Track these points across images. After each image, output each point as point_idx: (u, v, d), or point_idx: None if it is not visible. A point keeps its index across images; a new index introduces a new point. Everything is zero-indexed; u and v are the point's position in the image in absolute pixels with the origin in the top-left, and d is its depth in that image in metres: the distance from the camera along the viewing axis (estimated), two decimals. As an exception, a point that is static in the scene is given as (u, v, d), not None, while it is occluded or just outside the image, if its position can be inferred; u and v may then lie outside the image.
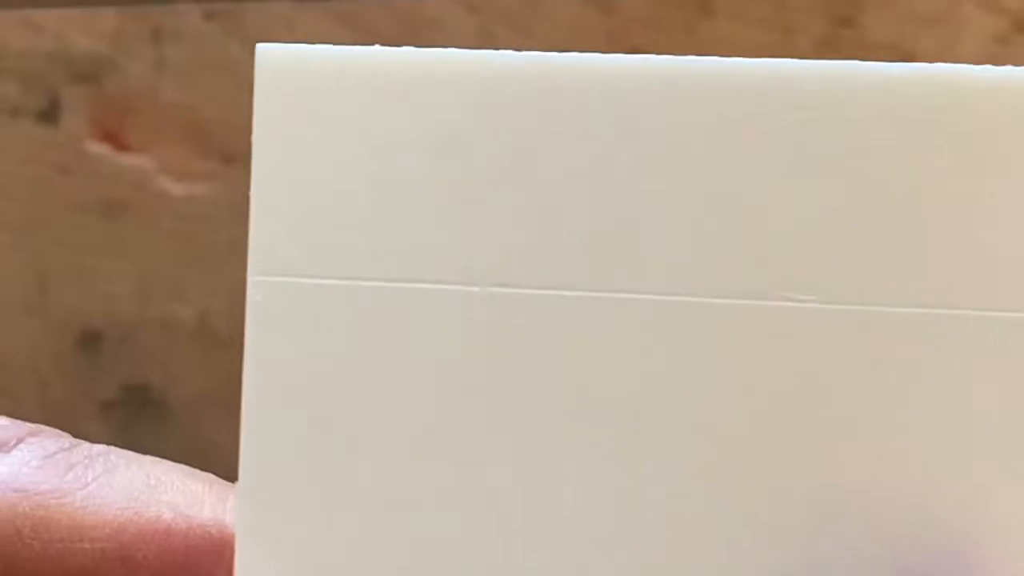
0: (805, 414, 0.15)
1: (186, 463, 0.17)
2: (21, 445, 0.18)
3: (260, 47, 0.15)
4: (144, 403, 0.36)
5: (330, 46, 0.15)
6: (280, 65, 0.15)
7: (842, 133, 0.14)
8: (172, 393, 0.37)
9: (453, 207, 0.15)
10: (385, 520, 0.15)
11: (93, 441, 0.24)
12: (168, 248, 0.36)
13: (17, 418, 0.27)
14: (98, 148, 0.36)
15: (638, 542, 0.15)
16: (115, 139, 0.36)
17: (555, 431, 0.15)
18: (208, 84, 0.35)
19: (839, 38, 0.35)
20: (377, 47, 0.15)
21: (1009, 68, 0.14)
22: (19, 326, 0.36)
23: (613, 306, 0.15)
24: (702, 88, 0.15)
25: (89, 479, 0.17)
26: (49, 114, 0.35)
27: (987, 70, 0.14)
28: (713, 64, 0.15)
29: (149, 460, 0.18)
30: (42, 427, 0.18)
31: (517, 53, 0.15)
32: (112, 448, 0.17)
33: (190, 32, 0.34)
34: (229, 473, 0.23)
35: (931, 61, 0.15)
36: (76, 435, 0.29)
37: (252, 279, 0.15)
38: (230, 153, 0.35)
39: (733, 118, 0.14)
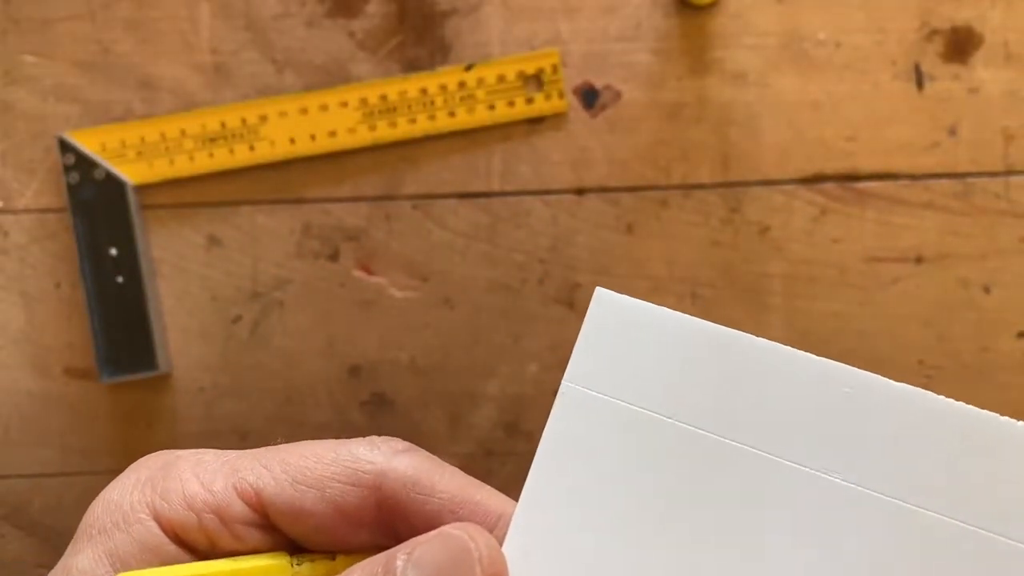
0: None
1: (404, 438, 0.25)
2: (412, 451, 0.25)
3: (599, 290, 0.24)
4: (382, 403, 0.50)
5: (656, 307, 0.24)
6: (609, 307, 0.23)
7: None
8: (397, 398, 0.50)
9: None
10: None
11: (358, 425, 0.39)
12: (392, 323, 0.50)
13: (316, 412, 0.43)
14: (358, 273, 0.50)
15: None
16: (366, 268, 0.50)
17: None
18: (415, 241, 0.50)
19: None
20: (682, 316, 0.23)
21: None
22: (318, 365, 0.50)
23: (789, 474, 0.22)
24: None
25: (444, 471, 0.25)
26: (333, 256, 0.50)
27: None
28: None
29: (465, 474, 0.25)
30: (415, 446, 0.25)
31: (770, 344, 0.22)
32: (450, 465, 0.25)
33: (404, 214, 0.50)
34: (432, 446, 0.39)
35: None
36: (346, 421, 0.46)
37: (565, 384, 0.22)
38: (424, 276, 0.49)
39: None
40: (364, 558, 0.24)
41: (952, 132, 0.49)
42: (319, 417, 0.49)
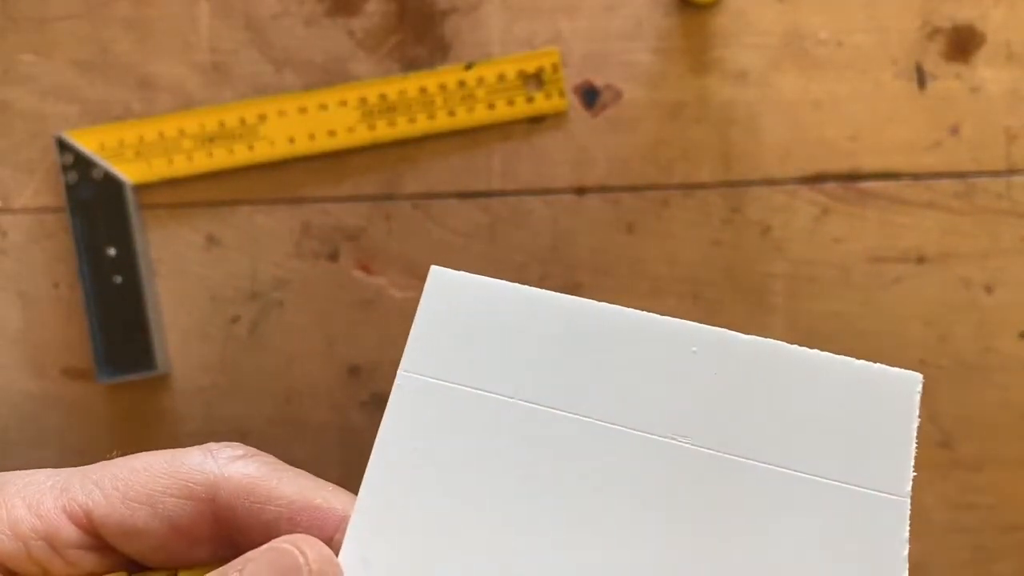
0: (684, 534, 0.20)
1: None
2: (249, 457, 0.25)
3: (435, 269, 0.24)
4: (382, 403, 0.46)
5: (483, 279, 0.23)
6: (446, 285, 0.23)
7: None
8: (396, 398, 0.52)
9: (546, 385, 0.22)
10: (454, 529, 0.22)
11: (358, 425, 0.39)
12: (391, 323, 0.49)
13: (316, 412, 0.42)
14: (357, 274, 0.49)
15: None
16: (366, 269, 0.49)
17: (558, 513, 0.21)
18: (415, 240, 0.50)
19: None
20: (522, 288, 0.23)
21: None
22: (318, 365, 0.49)
23: (596, 431, 0.22)
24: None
25: (282, 475, 0.24)
26: (333, 256, 0.49)
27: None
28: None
29: (309, 475, 0.24)
30: (256, 450, 0.25)
31: (595, 304, 0.22)
32: (292, 467, 0.25)
33: (404, 214, 0.49)
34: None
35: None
36: (346, 421, 0.46)
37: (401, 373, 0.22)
38: (424, 276, 0.50)
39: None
40: (205, 572, 0.23)
41: (954, 131, 0.49)
42: (318, 417, 0.49)
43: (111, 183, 0.49)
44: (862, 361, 0.23)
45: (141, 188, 0.50)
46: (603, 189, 0.49)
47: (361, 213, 0.50)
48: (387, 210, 0.50)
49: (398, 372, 0.24)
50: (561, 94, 0.49)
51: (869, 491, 0.21)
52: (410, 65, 0.49)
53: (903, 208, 0.49)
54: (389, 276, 0.50)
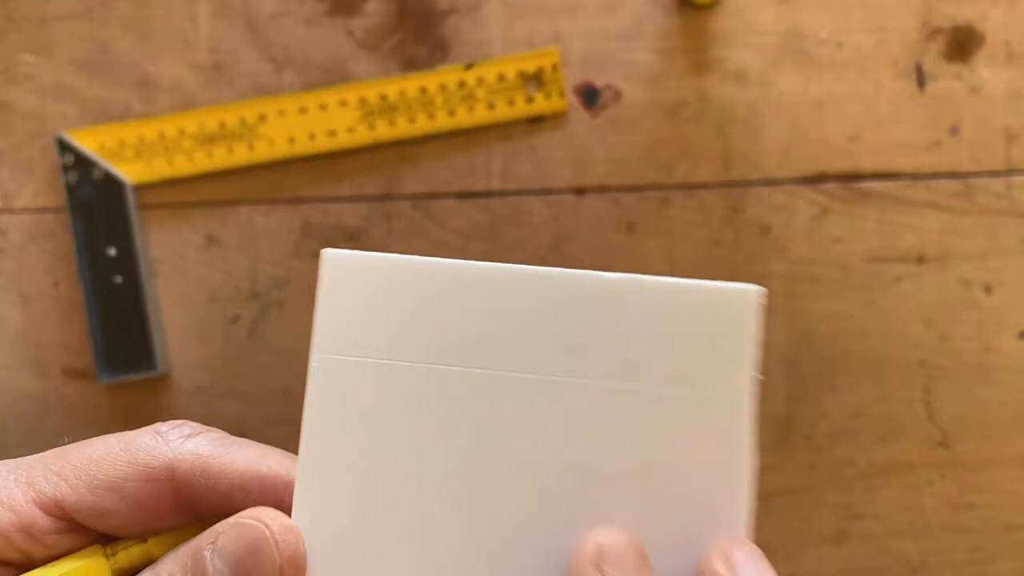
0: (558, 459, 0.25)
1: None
2: (197, 436, 0.27)
3: (326, 252, 0.26)
4: None
5: (382, 255, 0.26)
6: (340, 267, 0.26)
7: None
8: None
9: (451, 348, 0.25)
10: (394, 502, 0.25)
11: None
12: None
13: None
14: None
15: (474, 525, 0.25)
16: None
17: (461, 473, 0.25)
18: (415, 240, 0.50)
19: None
20: (411, 258, 0.26)
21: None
22: None
23: (485, 380, 0.25)
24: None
25: (230, 449, 0.27)
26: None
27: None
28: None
29: (255, 443, 0.27)
30: (202, 426, 0.27)
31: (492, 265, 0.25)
32: (238, 438, 0.27)
33: (403, 214, 0.49)
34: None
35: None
36: None
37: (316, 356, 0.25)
38: None
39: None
40: (176, 538, 0.26)
41: (953, 132, 0.49)
42: (318, 417, 0.49)
43: (111, 183, 0.49)
44: (708, 281, 0.26)
45: (141, 188, 0.50)
46: (603, 189, 0.49)
47: (361, 213, 0.50)
48: (387, 210, 0.50)
49: (311, 355, 0.26)
50: (561, 94, 0.49)
51: (712, 395, 0.25)
52: (410, 65, 0.49)
53: (903, 208, 0.49)
54: (389, 276, 0.50)
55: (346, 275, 0.27)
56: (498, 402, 0.25)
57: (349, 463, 0.26)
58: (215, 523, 0.25)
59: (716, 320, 0.25)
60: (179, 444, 0.27)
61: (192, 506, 0.27)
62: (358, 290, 0.26)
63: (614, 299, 0.26)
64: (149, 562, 0.26)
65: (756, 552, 0.24)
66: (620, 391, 0.25)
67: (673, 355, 0.25)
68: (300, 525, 0.25)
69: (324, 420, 0.26)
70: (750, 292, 0.26)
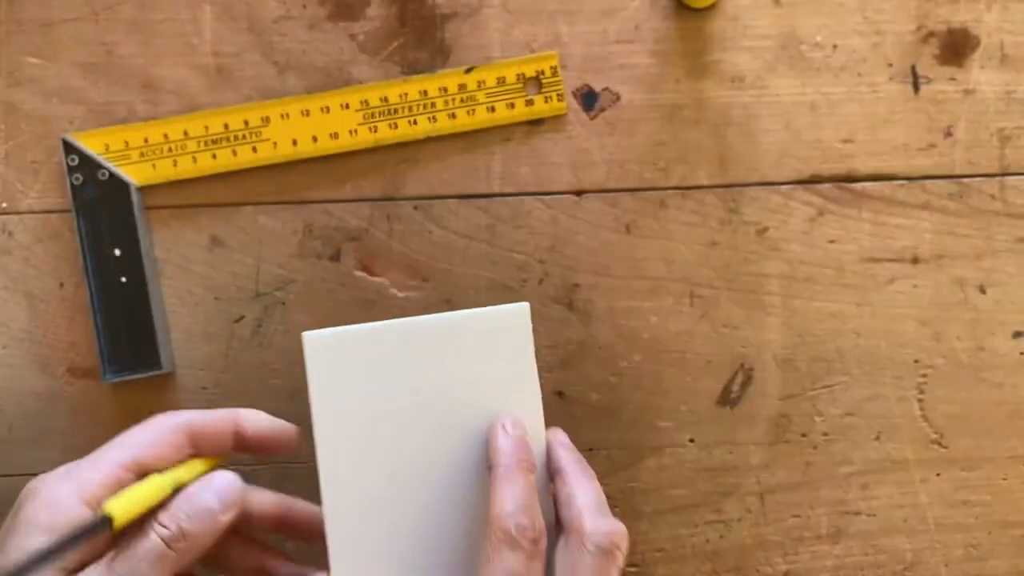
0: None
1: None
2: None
3: (306, 335, 0.41)
4: None
5: (344, 329, 0.41)
6: (320, 344, 0.41)
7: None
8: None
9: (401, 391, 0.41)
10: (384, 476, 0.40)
11: None
12: None
13: None
14: (359, 274, 0.49)
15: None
16: (368, 269, 0.49)
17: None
18: (416, 241, 0.50)
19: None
20: (367, 325, 0.41)
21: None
22: None
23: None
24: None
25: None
26: (335, 256, 0.49)
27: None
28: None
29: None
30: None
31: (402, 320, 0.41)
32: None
33: (405, 216, 0.49)
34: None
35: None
36: None
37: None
38: (425, 277, 0.49)
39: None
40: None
41: (948, 134, 0.49)
42: (321, 416, 0.49)
43: (116, 184, 0.49)
44: (487, 307, 0.41)
45: (146, 189, 0.50)
46: (601, 191, 0.50)
47: (363, 214, 0.50)
48: (388, 211, 0.50)
49: (314, 424, 0.41)
50: (560, 97, 0.49)
51: (509, 392, 0.41)
52: (411, 68, 0.50)
53: (898, 209, 0.50)
54: (390, 276, 0.50)
55: (325, 350, 0.40)
56: (429, 413, 0.41)
57: (358, 422, 0.40)
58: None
59: (504, 333, 0.41)
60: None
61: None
62: (337, 360, 0.40)
63: (441, 333, 0.41)
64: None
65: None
66: (467, 384, 0.41)
67: (484, 364, 0.41)
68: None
69: (335, 455, 0.40)
70: (522, 309, 0.42)
